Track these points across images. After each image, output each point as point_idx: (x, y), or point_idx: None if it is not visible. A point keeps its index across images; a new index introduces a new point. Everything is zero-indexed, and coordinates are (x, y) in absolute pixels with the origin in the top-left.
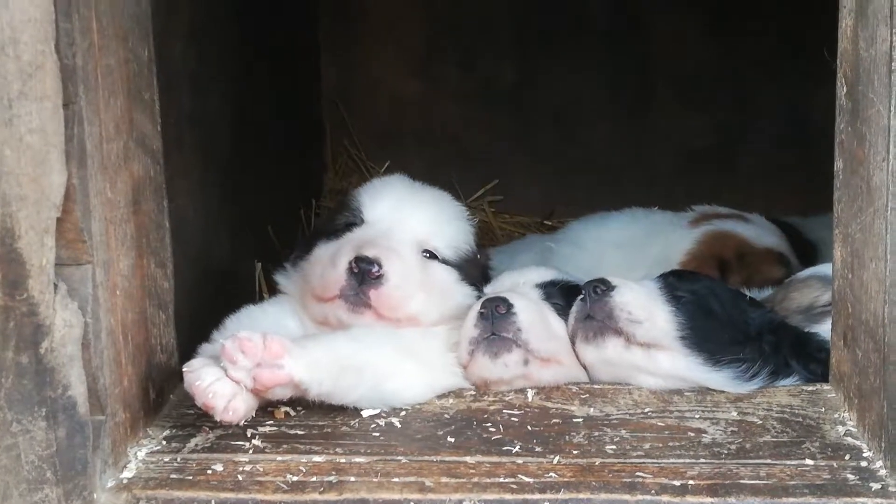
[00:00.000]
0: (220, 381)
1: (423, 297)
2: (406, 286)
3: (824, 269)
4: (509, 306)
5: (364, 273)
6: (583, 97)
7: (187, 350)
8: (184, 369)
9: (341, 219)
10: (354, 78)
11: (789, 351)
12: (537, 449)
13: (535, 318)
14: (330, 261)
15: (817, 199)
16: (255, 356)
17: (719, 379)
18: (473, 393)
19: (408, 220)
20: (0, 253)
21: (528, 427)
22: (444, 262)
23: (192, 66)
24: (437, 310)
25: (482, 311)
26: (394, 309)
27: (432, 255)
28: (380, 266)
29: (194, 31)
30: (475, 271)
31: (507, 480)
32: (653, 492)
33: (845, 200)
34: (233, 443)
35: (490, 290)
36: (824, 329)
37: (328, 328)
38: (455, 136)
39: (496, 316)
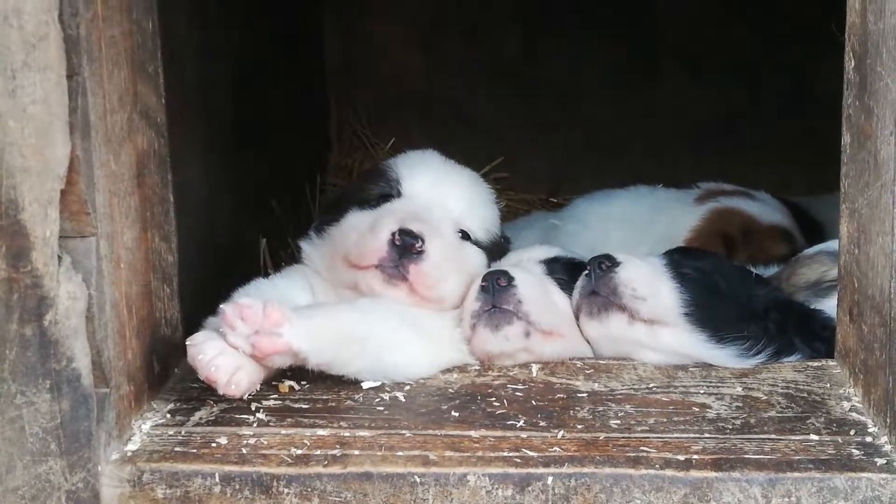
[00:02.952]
0: (222, 355)
1: (456, 279)
2: (444, 265)
3: (833, 244)
4: (510, 279)
5: (407, 247)
6: (587, 71)
7: (191, 324)
8: (187, 343)
9: (376, 189)
10: (358, 52)
11: (793, 328)
12: (541, 423)
13: (536, 291)
14: (369, 229)
15: (823, 173)
16: (255, 323)
17: (722, 356)
18: (478, 368)
19: (446, 197)
20: (4, 225)
21: (533, 402)
22: (477, 244)
23: (197, 38)
24: (462, 293)
25: (483, 284)
26: (429, 287)
27: (465, 236)
28: (423, 241)
29: (198, 3)
30: (499, 256)
31: (511, 454)
32: (657, 466)
33: (852, 175)
34: (237, 416)
35: (494, 266)
36: (831, 304)
37: (353, 294)
38: (460, 110)
39: (497, 288)
